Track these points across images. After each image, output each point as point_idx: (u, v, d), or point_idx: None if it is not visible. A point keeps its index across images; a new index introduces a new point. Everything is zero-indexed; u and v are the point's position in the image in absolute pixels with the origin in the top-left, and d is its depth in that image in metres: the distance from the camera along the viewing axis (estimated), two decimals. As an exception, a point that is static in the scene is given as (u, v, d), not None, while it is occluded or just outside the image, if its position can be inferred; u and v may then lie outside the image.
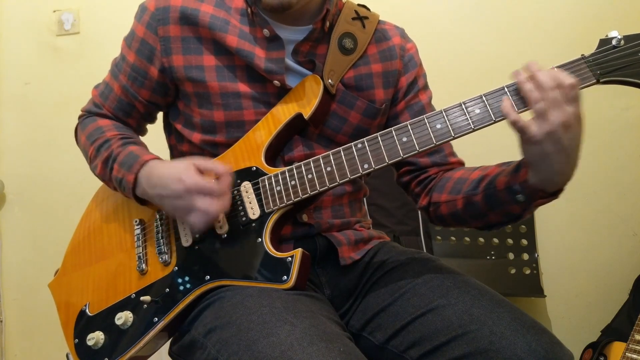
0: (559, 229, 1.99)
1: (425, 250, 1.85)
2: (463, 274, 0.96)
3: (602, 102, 1.95)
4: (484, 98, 0.84)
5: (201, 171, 0.91)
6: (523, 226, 1.92)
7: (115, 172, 0.99)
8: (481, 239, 1.91)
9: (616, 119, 1.95)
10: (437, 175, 1.07)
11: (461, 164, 1.11)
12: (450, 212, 1.01)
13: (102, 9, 2.17)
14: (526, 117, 0.81)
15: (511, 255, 1.89)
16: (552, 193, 0.86)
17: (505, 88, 0.84)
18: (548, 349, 0.78)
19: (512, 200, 0.89)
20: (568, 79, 0.78)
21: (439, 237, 1.92)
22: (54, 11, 2.22)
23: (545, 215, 1.99)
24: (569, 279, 2.00)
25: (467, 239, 1.91)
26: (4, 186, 2.23)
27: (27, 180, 2.23)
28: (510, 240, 1.91)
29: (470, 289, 0.89)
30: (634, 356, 1.52)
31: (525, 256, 1.88)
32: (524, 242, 1.91)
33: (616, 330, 1.77)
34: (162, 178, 0.92)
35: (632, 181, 1.96)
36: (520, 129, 0.80)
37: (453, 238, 1.92)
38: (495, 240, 1.91)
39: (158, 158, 1.00)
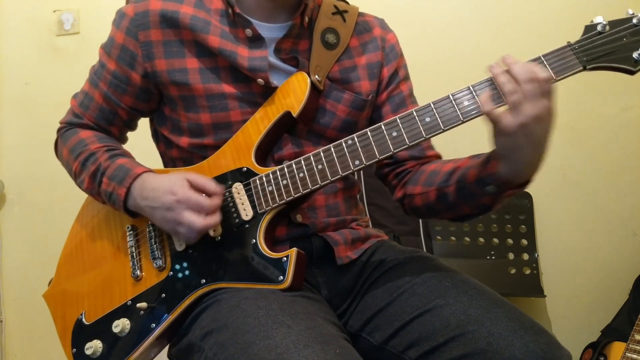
0: (559, 229, 1.99)
1: (425, 251, 1.85)
2: (461, 273, 0.96)
3: (602, 102, 1.95)
4: (472, 89, 0.85)
5: (194, 186, 0.91)
6: (523, 226, 1.92)
7: (104, 185, 0.98)
8: (481, 239, 1.91)
9: (616, 119, 1.95)
10: (414, 169, 1.08)
11: (438, 157, 1.12)
12: (424, 204, 1.03)
13: (102, 9, 2.17)
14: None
15: (511, 255, 1.89)
16: (520, 184, 0.88)
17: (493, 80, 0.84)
18: (546, 350, 0.77)
19: (483, 192, 0.90)
20: (543, 72, 0.79)
21: (439, 237, 1.92)
22: (54, 11, 2.22)
23: (545, 215, 1.98)
24: (569, 279, 1.99)
25: (467, 239, 1.91)
26: (4, 186, 2.23)
27: (27, 180, 2.23)
28: (510, 240, 1.90)
29: (468, 288, 0.89)
30: (634, 356, 1.52)
31: (525, 256, 1.88)
32: (524, 242, 1.90)
33: (616, 330, 1.77)
34: (155, 190, 0.93)
35: (632, 181, 1.95)
36: (493, 120, 0.81)
37: (453, 238, 1.92)
38: (495, 240, 1.90)
39: (150, 170, 0.99)
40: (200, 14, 1.00)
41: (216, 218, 0.91)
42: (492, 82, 0.83)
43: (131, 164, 1.00)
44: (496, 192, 0.89)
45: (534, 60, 0.83)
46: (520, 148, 0.81)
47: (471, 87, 0.85)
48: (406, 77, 1.14)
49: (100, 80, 1.04)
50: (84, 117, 1.07)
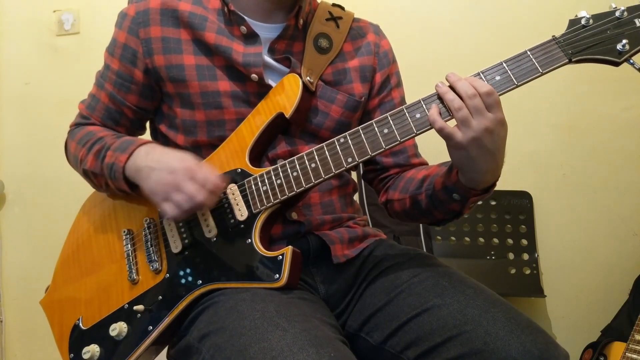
0: (559, 229, 1.99)
1: (425, 251, 1.85)
2: (459, 272, 0.96)
3: (602, 102, 1.95)
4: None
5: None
6: (523, 226, 1.92)
7: (107, 159, 0.98)
8: (481, 239, 1.91)
9: (616, 119, 1.95)
10: (396, 175, 1.11)
11: (424, 164, 1.14)
12: (402, 210, 1.07)
13: (102, 9, 2.18)
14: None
15: (511, 255, 1.88)
16: (484, 189, 0.91)
17: (481, 74, 0.86)
18: (543, 350, 0.77)
19: (450, 199, 0.93)
20: (485, 86, 0.81)
21: (439, 237, 1.92)
22: (54, 11, 2.22)
23: (545, 215, 1.98)
24: (569, 279, 1.99)
25: (467, 239, 1.91)
26: (4, 186, 2.24)
27: (27, 180, 2.24)
28: (510, 240, 1.90)
29: (465, 288, 0.89)
30: (634, 356, 1.52)
31: (525, 256, 1.88)
32: (524, 242, 1.90)
33: (616, 330, 1.77)
34: (163, 155, 0.93)
35: (632, 181, 1.95)
36: (446, 136, 0.84)
37: (453, 238, 1.92)
38: (495, 240, 1.90)
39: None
40: (198, 10, 1.01)
41: (213, 199, 0.90)
42: (440, 98, 0.86)
43: (137, 139, 1.01)
44: (462, 199, 0.92)
45: (520, 55, 0.85)
46: (474, 159, 0.84)
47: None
48: (398, 84, 1.15)
49: (105, 82, 1.06)
50: (91, 118, 1.09)
